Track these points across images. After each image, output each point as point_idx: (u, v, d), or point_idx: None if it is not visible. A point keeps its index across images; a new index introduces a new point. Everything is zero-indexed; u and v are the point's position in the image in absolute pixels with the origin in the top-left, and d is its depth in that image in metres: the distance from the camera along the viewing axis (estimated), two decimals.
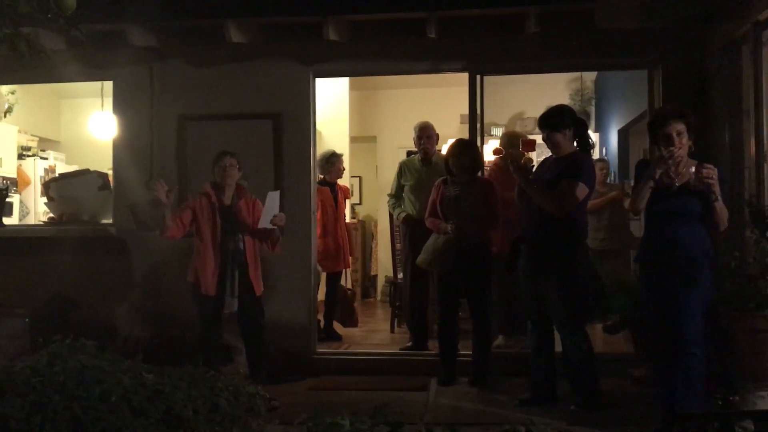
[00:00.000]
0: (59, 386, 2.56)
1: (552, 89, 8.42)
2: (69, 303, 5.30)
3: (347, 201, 6.90)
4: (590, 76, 8.69)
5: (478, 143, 5.30)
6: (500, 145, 5.54)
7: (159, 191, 4.30)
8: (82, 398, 2.52)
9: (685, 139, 3.51)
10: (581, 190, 4.03)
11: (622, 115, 7.47)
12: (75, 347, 2.86)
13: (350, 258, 6.81)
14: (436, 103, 8.30)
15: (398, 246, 6.37)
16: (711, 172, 3.31)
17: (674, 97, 4.91)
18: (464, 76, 5.38)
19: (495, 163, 5.62)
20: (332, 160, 6.34)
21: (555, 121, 4.15)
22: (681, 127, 3.51)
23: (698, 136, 3.65)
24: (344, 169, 6.58)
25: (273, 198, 4.52)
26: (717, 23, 4.83)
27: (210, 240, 4.46)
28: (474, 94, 5.34)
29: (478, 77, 5.34)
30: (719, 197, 3.37)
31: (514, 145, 5.45)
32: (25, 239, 5.54)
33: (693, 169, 3.36)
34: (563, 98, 8.27)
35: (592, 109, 8.79)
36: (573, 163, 4.09)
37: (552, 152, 4.25)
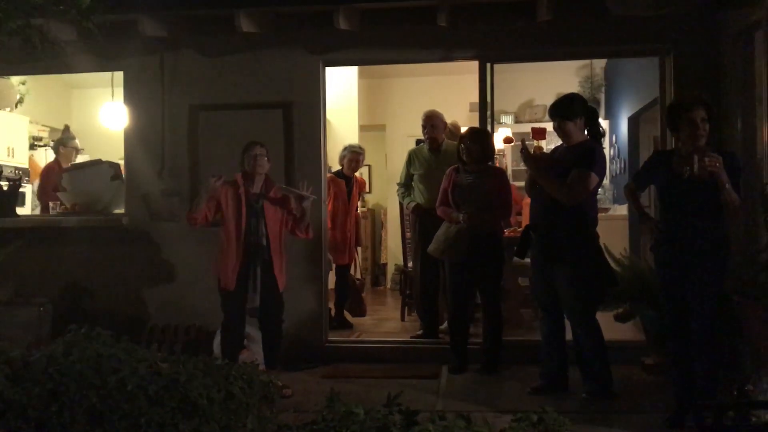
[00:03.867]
0: (76, 375, 2.58)
1: (561, 76, 8.39)
2: (85, 292, 5.34)
3: (361, 194, 6.87)
4: (600, 63, 8.63)
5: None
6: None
7: (213, 185, 4.30)
8: (98, 387, 2.54)
9: (707, 126, 3.50)
10: (592, 180, 4.02)
11: (633, 103, 7.41)
12: (90, 336, 2.88)
13: (358, 248, 6.79)
14: (446, 91, 8.27)
15: (408, 234, 6.37)
16: (714, 161, 3.29)
17: (686, 84, 4.89)
18: (473, 64, 5.36)
19: None
20: (342, 153, 6.34)
21: (566, 110, 4.13)
22: (704, 114, 3.50)
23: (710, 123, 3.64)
24: (356, 163, 6.44)
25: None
26: (730, 9, 4.79)
27: (234, 234, 4.35)
28: (484, 82, 5.31)
29: (488, 65, 5.32)
30: (727, 186, 3.35)
31: (455, 136, 5.52)
32: (39, 229, 5.56)
33: (695, 159, 3.34)
34: (573, 85, 8.23)
35: (602, 96, 8.74)
36: (584, 153, 4.07)
37: (563, 141, 4.24)
